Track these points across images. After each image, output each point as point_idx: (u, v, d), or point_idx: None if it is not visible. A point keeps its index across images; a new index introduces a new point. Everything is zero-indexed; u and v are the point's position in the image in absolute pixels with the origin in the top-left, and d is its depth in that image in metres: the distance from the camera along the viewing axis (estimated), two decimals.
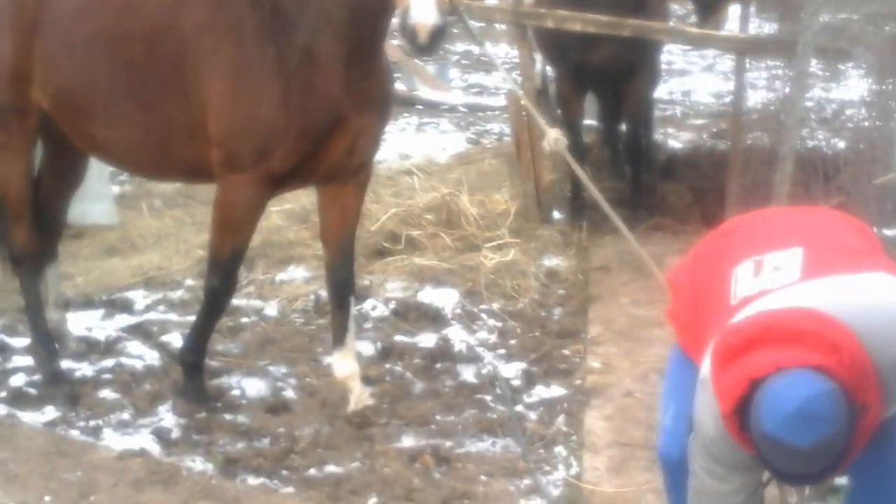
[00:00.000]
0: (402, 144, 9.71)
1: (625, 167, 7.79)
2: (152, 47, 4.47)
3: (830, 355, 2.28)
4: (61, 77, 4.67)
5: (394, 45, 9.80)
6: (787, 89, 6.03)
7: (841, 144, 7.78)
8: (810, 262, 2.55)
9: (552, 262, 6.58)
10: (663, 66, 9.89)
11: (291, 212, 7.18)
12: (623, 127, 7.96)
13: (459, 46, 16.48)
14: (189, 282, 6.24)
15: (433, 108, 11.65)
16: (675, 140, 9.68)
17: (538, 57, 7.98)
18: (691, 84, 12.57)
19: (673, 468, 2.95)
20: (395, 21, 3.93)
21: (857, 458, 2.45)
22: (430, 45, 3.78)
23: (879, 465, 2.59)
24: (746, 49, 6.62)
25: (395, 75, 7.67)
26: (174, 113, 4.48)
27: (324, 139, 4.38)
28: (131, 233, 7.15)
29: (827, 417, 2.24)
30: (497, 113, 11.02)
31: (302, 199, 7.03)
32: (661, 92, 9.82)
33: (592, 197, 7.48)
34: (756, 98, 6.72)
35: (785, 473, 2.45)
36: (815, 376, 2.25)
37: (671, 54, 12.85)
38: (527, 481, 4.27)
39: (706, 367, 2.55)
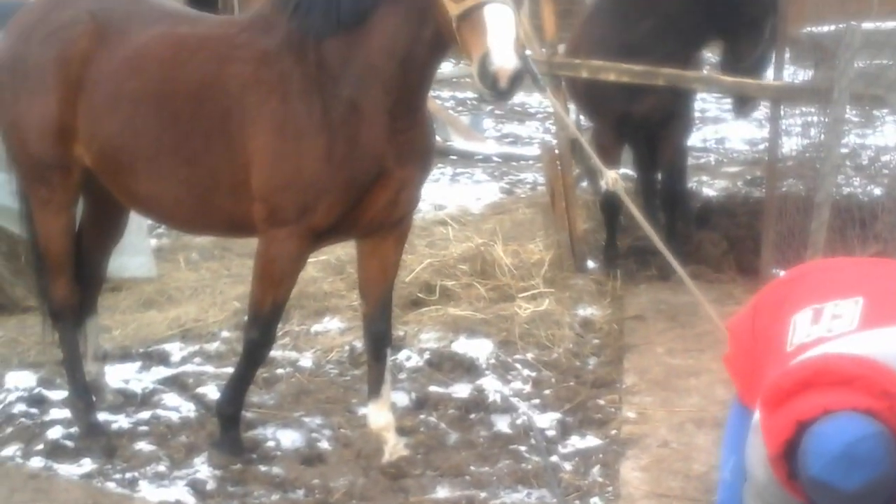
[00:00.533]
0: (436, 195, 9.78)
1: (659, 215, 7.78)
2: (198, 103, 4.51)
3: (880, 400, 2.26)
4: (105, 133, 4.71)
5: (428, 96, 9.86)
6: (823, 136, 6.00)
7: (877, 191, 7.76)
8: (870, 312, 2.53)
9: (587, 311, 6.57)
10: (697, 114, 9.91)
11: (326, 263, 7.23)
12: (658, 175, 7.96)
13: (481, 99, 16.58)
14: (225, 334, 6.28)
15: (467, 159, 11.73)
16: (709, 188, 9.66)
17: (571, 107, 8.03)
18: (725, 131, 12.56)
19: None
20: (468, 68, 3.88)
21: None
22: (510, 89, 3.79)
23: None
24: (781, 96, 6.61)
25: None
26: (218, 168, 4.51)
27: (367, 193, 4.40)
28: (168, 285, 7.22)
29: (874, 459, 2.20)
30: (531, 163, 11.07)
31: (337, 251, 7.08)
32: (694, 139, 9.84)
33: (626, 246, 7.62)
34: (791, 145, 6.70)
35: None
36: (862, 419, 2.22)
37: (705, 101, 12.87)
38: None
39: (758, 412, 2.53)
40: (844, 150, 6.80)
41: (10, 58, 4.89)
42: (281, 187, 4.36)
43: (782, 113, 6.70)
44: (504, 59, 3.70)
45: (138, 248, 7.29)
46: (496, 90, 3.77)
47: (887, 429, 2.23)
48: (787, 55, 7.57)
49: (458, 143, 12.08)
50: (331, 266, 7.18)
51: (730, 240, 7.59)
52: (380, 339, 4.87)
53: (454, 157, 11.68)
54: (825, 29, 7.14)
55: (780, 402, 2.36)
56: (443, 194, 9.91)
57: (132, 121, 4.65)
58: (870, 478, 2.20)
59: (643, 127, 7.39)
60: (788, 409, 2.33)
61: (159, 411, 5.30)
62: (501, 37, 3.73)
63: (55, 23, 4.81)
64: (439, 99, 14.55)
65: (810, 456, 2.24)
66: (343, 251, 7.13)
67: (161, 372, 5.85)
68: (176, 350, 6.13)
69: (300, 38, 4.34)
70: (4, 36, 5.03)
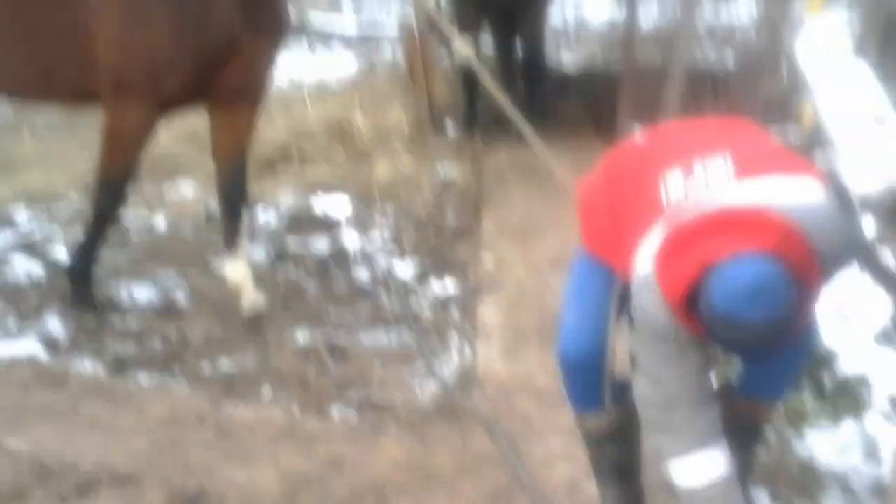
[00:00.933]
0: (294, 70, 9.56)
1: (519, 85, 7.79)
2: None
3: (782, 245, 2.33)
4: None
5: None
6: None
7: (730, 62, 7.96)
8: (739, 166, 2.59)
9: (446, 170, 6.57)
10: None
11: (178, 127, 7.01)
12: (516, 48, 7.96)
13: None
14: (74, 196, 6.08)
15: (325, 36, 11.49)
16: (568, 61, 9.70)
17: None
18: (584, 6, 12.59)
19: (571, 366, 2.96)
20: None
21: None
22: None
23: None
24: None
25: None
26: (61, 45, 4.33)
27: (217, 62, 4.29)
28: (11, 155, 6.91)
29: (779, 297, 2.27)
30: (391, 40, 10.91)
31: (190, 118, 6.87)
32: (554, 14, 9.82)
33: (485, 110, 7.62)
34: (648, 19, 6.78)
35: (735, 349, 2.53)
36: (768, 260, 2.29)
37: None
38: (421, 367, 4.27)
39: (645, 265, 2.56)
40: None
41: None
42: (128, 59, 4.22)
43: None
44: None
45: None
46: None
47: (789, 268, 2.31)
48: None
49: (318, 19, 11.80)
50: (183, 131, 6.97)
51: (587, 108, 7.67)
52: (234, 197, 4.77)
53: (313, 33, 11.43)
54: None
55: (683, 248, 2.40)
56: (301, 70, 9.70)
57: None
58: (773, 314, 2.26)
59: (501, 5, 7.36)
60: (693, 253, 2.37)
61: (5, 270, 5.14)
62: None
63: None
64: None
65: (718, 292, 2.29)
66: (197, 119, 6.93)
67: (7, 237, 5.63)
68: (22, 214, 5.91)
69: None
70: None
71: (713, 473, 2.56)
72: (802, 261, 2.36)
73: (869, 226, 4.39)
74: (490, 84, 4.91)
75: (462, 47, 4.76)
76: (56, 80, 4.50)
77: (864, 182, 4.49)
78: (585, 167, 5.77)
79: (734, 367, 3.24)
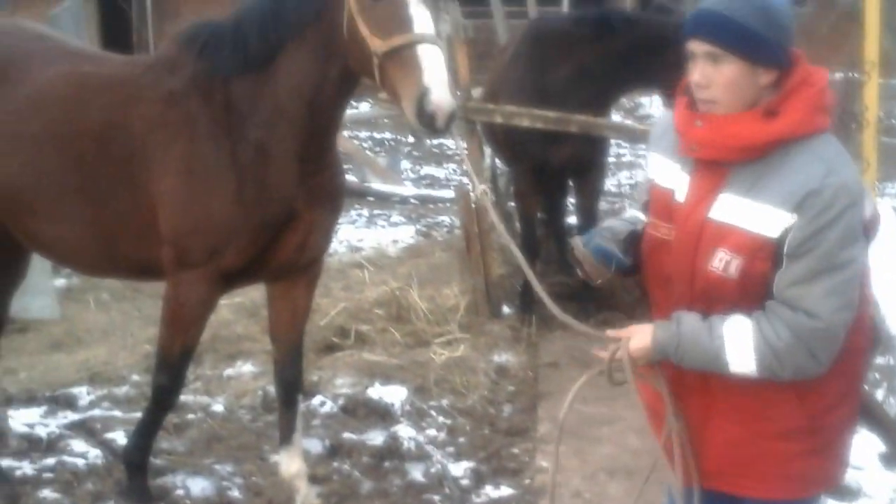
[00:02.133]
0: (352, 236, 9.75)
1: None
2: (102, 145, 4.40)
3: None
4: (5, 173, 4.56)
5: (345, 137, 9.87)
6: None
7: None
8: None
9: (502, 357, 6.58)
10: (612, 159, 10.06)
11: (241, 305, 7.15)
12: (573, 220, 8.04)
13: (411, 138, 16.68)
14: (135, 377, 6.16)
15: (384, 200, 11.72)
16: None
17: (487, 150, 8.07)
18: (640, 177, 12.75)
19: None
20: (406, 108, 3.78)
21: None
22: (446, 127, 3.79)
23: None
24: None
25: (347, 167, 7.71)
26: (124, 211, 4.40)
27: (276, 235, 4.34)
28: (77, 327, 7.07)
29: None
30: (448, 205, 11.10)
31: (251, 293, 7.00)
32: (609, 184, 9.97)
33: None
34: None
35: None
36: None
37: (620, 146, 13.06)
38: None
39: None
40: None
41: None
42: (189, 230, 4.27)
43: None
44: (442, 98, 3.71)
45: (41, 289, 7.13)
46: (433, 127, 3.76)
47: None
48: None
49: (376, 184, 12.07)
50: (245, 309, 7.10)
51: (642, 287, 7.66)
52: (291, 385, 4.80)
53: (371, 199, 11.67)
54: None
55: None
56: (359, 236, 9.88)
57: (34, 161, 4.51)
58: None
59: (560, 173, 7.47)
60: None
61: (65, 458, 5.17)
62: (438, 76, 3.73)
63: None
64: (357, 139, 14.56)
65: None
66: (258, 293, 7.04)
67: (68, 416, 5.71)
68: (84, 394, 5.99)
69: (207, 77, 4.27)
70: None
71: None
72: None
73: None
74: (523, 263, 4.90)
75: (480, 190, 4.69)
76: (118, 254, 4.57)
77: None
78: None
79: None
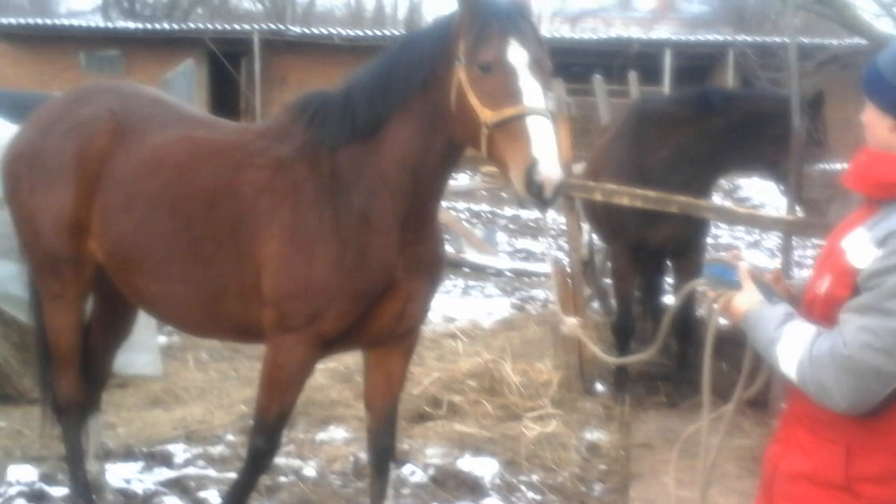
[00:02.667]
0: (447, 307, 9.81)
1: (670, 341, 7.76)
2: (211, 208, 4.51)
3: None
4: (119, 232, 4.72)
5: (443, 207, 9.92)
6: None
7: None
8: None
9: (594, 435, 6.53)
10: (709, 240, 9.97)
11: (335, 370, 7.23)
12: (667, 300, 7.98)
13: (507, 211, 16.78)
14: (230, 437, 6.25)
15: (479, 272, 11.78)
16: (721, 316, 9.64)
17: (585, 226, 8.07)
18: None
19: None
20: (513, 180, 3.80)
21: None
22: (553, 199, 3.82)
23: None
24: (793, 230, 6.66)
25: (444, 237, 7.79)
26: (228, 273, 4.49)
27: (376, 302, 4.37)
28: (176, 384, 7.21)
29: None
30: (542, 279, 11.12)
31: (346, 359, 7.08)
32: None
33: (637, 371, 7.60)
34: (802, 276, 6.71)
35: None
36: None
37: (717, 228, 12.98)
38: None
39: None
40: None
41: (28, 150, 4.92)
42: (291, 294, 4.33)
43: (794, 244, 6.73)
44: (551, 169, 3.73)
45: (145, 346, 7.29)
46: (540, 199, 3.78)
47: None
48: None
49: (471, 255, 12.15)
50: (339, 374, 7.17)
51: (740, 370, 7.52)
52: (384, 453, 4.81)
53: (467, 270, 11.74)
54: (837, 167, 7.22)
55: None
56: (454, 307, 9.94)
57: (146, 221, 4.65)
58: None
59: (659, 252, 7.44)
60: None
61: None
62: (547, 148, 3.76)
63: (75, 118, 4.86)
64: (454, 210, 14.70)
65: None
66: (352, 359, 7.14)
67: (163, 473, 5.80)
68: (180, 451, 6.09)
69: (315, 146, 4.37)
70: (26, 127, 5.05)
71: None
72: None
73: None
74: (601, 354, 4.85)
75: (571, 323, 4.62)
76: (221, 315, 4.64)
77: None
78: (736, 438, 5.68)
79: None
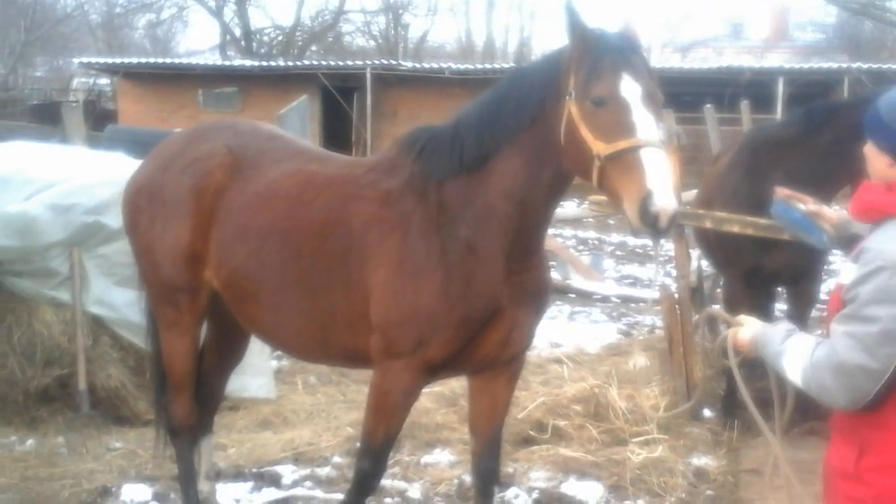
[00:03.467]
0: (553, 332, 9.79)
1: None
2: (321, 239, 4.62)
3: None
4: (234, 262, 4.86)
5: (550, 234, 9.92)
6: None
7: None
8: None
9: (701, 461, 6.44)
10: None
11: (440, 394, 7.28)
12: None
13: (615, 237, 16.69)
14: (337, 459, 6.34)
15: (586, 298, 11.74)
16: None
17: (694, 253, 7.98)
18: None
19: None
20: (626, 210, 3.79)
21: None
22: (668, 229, 3.83)
23: None
24: None
25: (550, 264, 7.80)
26: (338, 302, 4.59)
27: (481, 330, 4.41)
28: (285, 407, 7.34)
29: None
30: (649, 305, 11.02)
31: (451, 383, 7.12)
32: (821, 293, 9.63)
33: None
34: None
35: None
36: None
37: (833, 254, 12.67)
38: None
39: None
40: None
41: (149, 184, 5.11)
42: (398, 321, 4.40)
43: None
44: (665, 200, 3.73)
45: (260, 370, 7.45)
46: (656, 229, 3.78)
47: None
48: None
49: (578, 281, 12.12)
50: (444, 398, 7.22)
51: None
52: (488, 477, 4.84)
53: (573, 296, 11.71)
54: None
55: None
56: (560, 332, 9.92)
57: (259, 252, 4.78)
58: None
59: (772, 280, 7.29)
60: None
61: None
62: (662, 179, 3.77)
63: (194, 154, 5.04)
64: (561, 237, 14.70)
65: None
66: (457, 383, 7.18)
67: (272, 494, 5.92)
68: (288, 472, 6.20)
69: (423, 179, 4.45)
70: (147, 163, 5.26)
71: None
72: None
73: None
74: (738, 375, 4.77)
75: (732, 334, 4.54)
76: (330, 342, 4.73)
77: None
78: None
79: None
